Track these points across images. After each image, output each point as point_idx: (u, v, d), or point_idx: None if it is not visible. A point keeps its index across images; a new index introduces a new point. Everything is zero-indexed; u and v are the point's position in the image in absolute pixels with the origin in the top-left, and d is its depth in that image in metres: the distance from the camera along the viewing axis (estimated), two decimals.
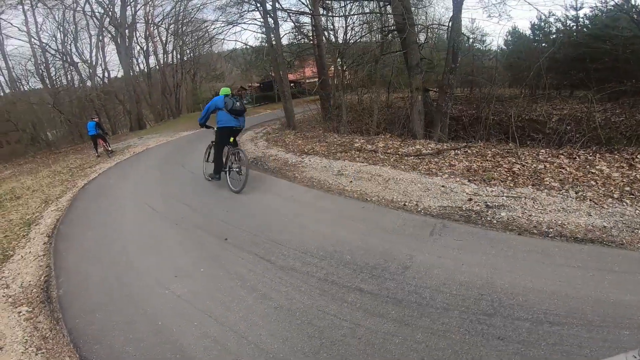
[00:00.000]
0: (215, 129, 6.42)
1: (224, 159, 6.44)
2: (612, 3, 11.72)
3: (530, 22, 17.68)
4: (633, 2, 11.36)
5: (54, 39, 24.67)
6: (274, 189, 6.12)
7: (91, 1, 23.85)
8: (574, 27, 15.52)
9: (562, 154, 5.93)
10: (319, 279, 3.15)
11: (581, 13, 15.12)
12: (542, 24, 16.86)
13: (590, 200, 4.28)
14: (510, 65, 17.99)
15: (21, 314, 3.38)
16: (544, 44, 16.52)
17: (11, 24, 23.87)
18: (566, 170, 5.28)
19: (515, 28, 19.37)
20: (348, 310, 2.69)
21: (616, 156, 5.52)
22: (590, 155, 5.69)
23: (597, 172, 5.03)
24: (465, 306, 2.58)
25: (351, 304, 2.76)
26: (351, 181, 5.97)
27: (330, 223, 4.38)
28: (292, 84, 24.97)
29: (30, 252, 4.95)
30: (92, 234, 5.23)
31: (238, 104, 6.26)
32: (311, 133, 11.04)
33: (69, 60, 25.14)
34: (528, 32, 18.53)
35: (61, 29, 24.45)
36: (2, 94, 24.05)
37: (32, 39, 23.26)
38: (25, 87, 24.83)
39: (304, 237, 4.03)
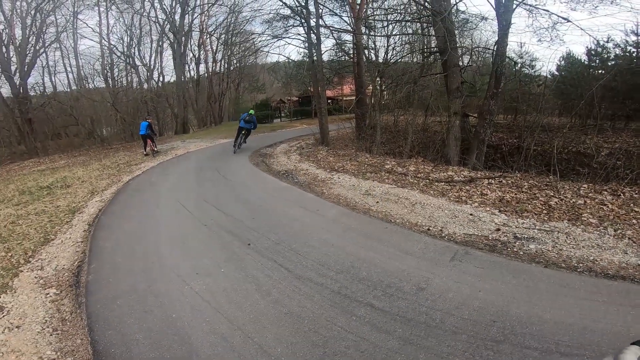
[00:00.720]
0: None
1: (238, 141, 13.09)
2: None
3: (586, 48, 16.38)
4: None
5: (121, 41, 27.02)
6: (302, 202, 6.26)
7: (156, 7, 26.05)
8: (635, 53, 14.47)
9: (606, 190, 5.62)
10: (332, 291, 3.21)
11: None
12: (600, 49, 15.87)
13: (629, 238, 4.04)
14: (561, 92, 16.83)
15: (48, 295, 3.66)
16: (600, 71, 15.41)
17: (87, 24, 26.53)
18: (607, 207, 4.99)
19: (569, 53, 18.03)
20: (356, 323, 2.72)
21: None
22: (636, 193, 5.34)
23: None
24: (475, 331, 2.52)
25: (360, 318, 2.79)
26: (377, 202, 5.99)
27: (352, 240, 4.43)
28: (329, 101, 25.33)
29: (70, 237, 5.38)
30: (128, 226, 5.64)
31: (248, 118, 12.94)
32: (343, 151, 11.19)
33: (131, 62, 27.29)
34: (584, 57, 17.16)
35: (128, 33, 26.76)
36: (69, 89, 26.43)
37: (103, 40, 25.61)
38: (90, 85, 27.10)
39: (324, 250, 4.11)
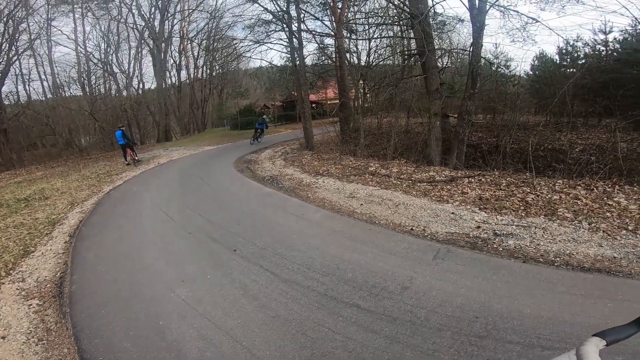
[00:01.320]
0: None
1: (255, 136, 16.86)
2: None
3: (558, 47, 16.83)
4: None
5: (97, 48, 26.45)
6: (286, 206, 6.28)
7: (134, 14, 25.61)
8: (604, 51, 14.92)
9: (580, 185, 5.84)
10: (319, 293, 3.24)
11: (611, 37, 14.16)
12: (570, 48, 16.31)
13: (603, 231, 4.21)
14: (536, 91, 17.14)
15: (31, 306, 3.63)
16: (571, 70, 15.66)
17: (61, 32, 26.00)
18: (582, 201, 5.19)
19: (542, 53, 18.37)
20: (343, 324, 2.76)
21: (635, 188, 5.39)
22: (609, 187, 5.58)
23: (614, 204, 4.93)
24: (459, 327, 2.59)
25: (346, 318, 2.83)
26: (362, 204, 6.06)
27: (336, 242, 4.47)
28: (313, 105, 25.36)
29: (50, 249, 5.30)
30: (111, 236, 5.57)
31: (260, 121, 18.19)
32: (328, 155, 11.27)
33: (108, 69, 26.74)
34: (556, 57, 17.49)
35: (105, 39, 26.19)
36: (44, 98, 25.63)
37: (79, 47, 24.99)
38: (66, 93, 26.34)
39: (310, 253, 4.14)
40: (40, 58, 24.37)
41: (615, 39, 14.23)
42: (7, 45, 20.40)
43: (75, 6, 24.11)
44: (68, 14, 24.06)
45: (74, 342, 2.94)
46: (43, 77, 25.11)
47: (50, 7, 22.78)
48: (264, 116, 18.81)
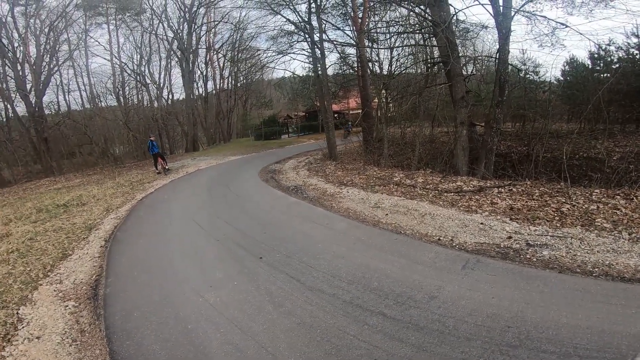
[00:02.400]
0: None
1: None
2: None
3: (589, 52, 16.13)
4: None
5: (131, 59, 27.70)
6: (311, 216, 6.30)
7: (164, 25, 26.83)
8: (638, 55, 14.25)
9: (619, 195, 5.55)
10: (344, 301, 3.22)
11: None
12: (602, 53, 15.68)
13: None
14: (568, 97, 16.55)
15: (67, 307, 3.80)
16: (605, 75, 15.05)
17: (98, 42, 27.10)
18: (621, 211, 4.93)
19: (573, 57, 17.72)
20: (368, 332, 2.72)
21: None
22: None
23: None
24: (489, 337, 2.51)
25: (372, 326, 2.79)
26: (387, 214, 6.00)
27: (362, 251, 4.44)
28: (335, 115, 25.38)
29: (87, 253, 5.57)
30: (143, 242, 5.80)
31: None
32: (351, 165, 11.25)
33: (141, 80, 27.92)
34: (587, 61, 16.75)
35: (138, 51, 27.45)
36: (82, 108, 27.05)
37: (114, 58, 26.33)
38: (102, 103, 27.72)
39: (335, 262, 4.12)
40: (79, 69, 25.82)
41: None
42: (49, 56, 21.67)
43: (110, 18, 25.50)
44: (103, 25, 25.50)
45: (106, 343, 3.05)
46: (82, 87, 26.64)
47: (87, 18, 24.13)
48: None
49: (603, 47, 14.38)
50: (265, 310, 3.19)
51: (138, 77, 27.74)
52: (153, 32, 26.60)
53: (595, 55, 15.75)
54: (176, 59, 28.41)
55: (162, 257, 4.94)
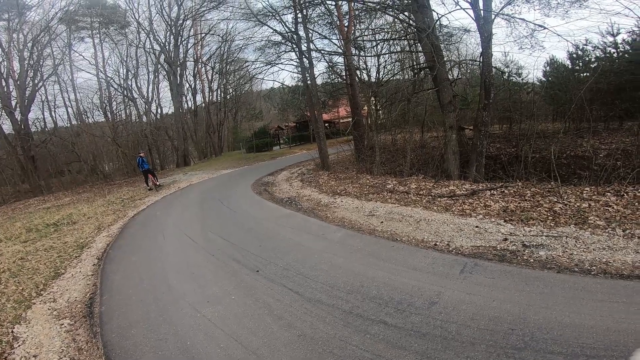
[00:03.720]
0: None
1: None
2: None
3: (568, 52, 16.56)
4: None
5: (117, 73, 27.34)
6: (307, 227, 6.26)
7: (150, 38, 26.61)
8: (615, 53, 14.59)
9: (609, 192, 5.63)
10: (344, 311, 3.17)
11: (619, 38, 13.93)
12: (580, 52, 16.07)
13: (639, 237, 4.01)
14: (551, 98, 16.75)
15: (63, 325, 3.75)
16: (585, 74, 15.33)
17: (83, 57, 26.85)
18: (613, 208, 4.99)
19: (553, 58, 18.02)
20: (370, 341, 2.68)
21: None
22: None
23: None
24: (494, 340, 2.48)
25: (374, 335, 2.75)
26: (382, 222, 5.98)
27: (359, 260, 4.41)
28: (326, 124, 25.22)
29: (80, 271, 5.50)
30: (137, 259, 5.70)
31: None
32: (344, 174, 11.25)
33: (128, 95, 27.51)
34: (567, 62, 17.03)
35: (124, 64, 27.10)
36: (69, 124, 26.50)
37: (100, 73, 25.90)
38: (89, 119, 27.16)
39: (333, 272, 4.08)
40: (64, 84, 25.39)
41: (624, 40, 13.97)
42: (33, 71, 21.36)
43: (94, 31, 25.25)
44: (86, 39, 25.18)
45: None
46: (67, 103, 26.07)
47: (70, 31, 23.85)
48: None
49: (580, 47, 14.78)
50: (264, 324, 3.13)
51: (125, 91, 27.43)
52: (139, 45, 26.43)
53: (574, 55, 16.13)
54: (164, 72, 28.13)
55: (156, 274, 4.86)
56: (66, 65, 24.73)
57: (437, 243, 4.72)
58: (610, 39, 13.93)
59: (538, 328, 2.55)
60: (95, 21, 25.03)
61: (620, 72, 12.85)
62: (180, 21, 26.59)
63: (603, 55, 14.77)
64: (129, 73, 27.49)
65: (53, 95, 25.64)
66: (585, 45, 14.56)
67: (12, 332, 3.63)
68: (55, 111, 25.87)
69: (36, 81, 22.02)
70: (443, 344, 2.53)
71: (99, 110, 26.81)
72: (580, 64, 16.31)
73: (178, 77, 27.42)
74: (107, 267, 5.50)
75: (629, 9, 8.53)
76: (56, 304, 4.35)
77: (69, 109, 26.37)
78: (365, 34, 14.34)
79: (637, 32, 12.30)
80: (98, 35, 25.72)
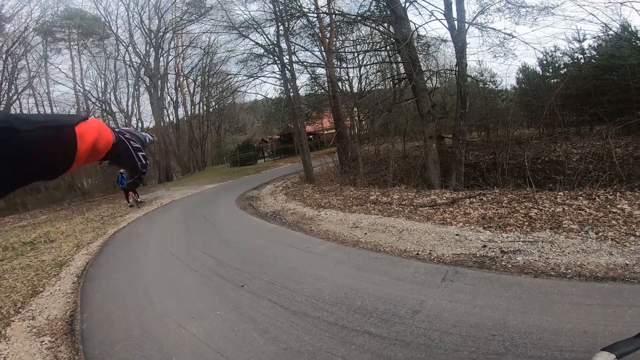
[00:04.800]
0: None
1: None
2: (611, 32, 11.08)
3: (538, 59, 17.09)
4: (633, 29, 11.03)
5: (95, 86, 26.74)
6: (291, 241, 6.26)
7: (130, 51, 26.19)
8: (582, 59, 14.97)
9: (581, 195, 5.85)
10: (329, 323, 3.19)
11: (585, 44, 14.56)
12: (549, 59, 16.36)
13: (611, 239, 4.19)
14: (525, 104, 17.15)
15: (43, 343, 3.67)
16: (555, 80, 15.91)
17: (59, 69, 25.81)
18: (586, 211, 5.19)
19: (525, 65, 18.71)
20: (356, 352, 2.71)
21: (637, 193, 5.40)
22: (611, 195, 5.59)
23: (618, 211, 4.93)
24: (476, 346, 2.54)
25: (359, 346, 2.77)
26: (366, 233, 6.05)
27: (343, 272, 4.44)
28: (310, 136, 25.19)
29: (59, 289, 5.38)
30: (118, 276, 5.60)
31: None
32: (328, 187, 11.31)
33: (107, 109, 26.86)
34: (538, 68, 17.81)
35: (102, 77, 26.54)
36: None
37: (77, 86, 25.24)
38: None
39: (317, 285, 4.10)
40: (40, 97, 24.71)
41: (590, 45, 14.55)
42: (7, 84, 20.71)
43: (72, 43, 24.70)
44: (63, 51, 24.49)
45: None
46: None
47: (46, 43, 23.25)
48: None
49: (549, 54, 15.39)
50: (250, 338, 3.11)
51: (104, 105, 26.89)
52: (118, 58, 26.04)
53: (544, 62, 16.75)
54: (144, 85, 27.76)
55: (139, 291, 4.77)
56: (42, 78, 24.15)
57: (420, 252, 4.81)
58: (577, 45, 14.56)
59: (517, 332, 2.62)
60: (73, 32, 24.56)
61: (587, 77, 13.42)
62: (161, 33, 26.41)
63: (571, 61, 15.41)
64: (108, 86, 26.99)
65: (28, 109, 24.84)
66: (554, 52, 15.17)
67: None
68: None
69: (11, 94, 21.39)
70: (427, 352, 2.58)
71: None
72: (550, 70, 16.94)
73: (159, 90, 27.08)
74: (88, 285, 5.38)
75: (593, 14, 9.04)
76: (35, 322, 4.26)
77: None
78: (347, 45, 14.61)
79: (602, 37, 12.91)
80: (76, 47, 25.21)
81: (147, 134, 0.89)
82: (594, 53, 14.68)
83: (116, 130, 0.71)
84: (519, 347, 2.47)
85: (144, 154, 0.76)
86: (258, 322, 3.39)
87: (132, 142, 0.73)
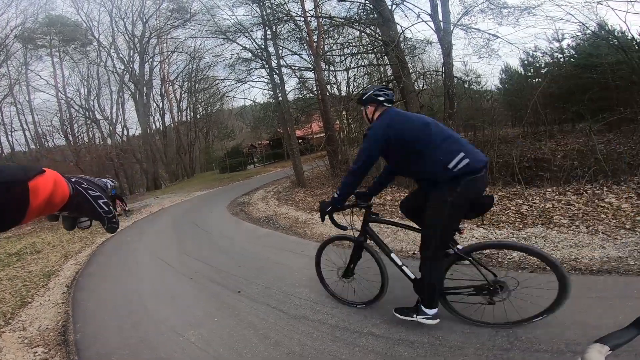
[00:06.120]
0: None
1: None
2: (588, 31, 11.35)
3: (520, 59, 17.53)
4: (609, 28, 11.34)
5: (78, 93, 26.04)
6: (286, 245, 6.19)
7: (113, 57, 25.65)
8: (561, 58, 15.44)
9: (569, 191, 5.98)
10: (330, 326, 3.16)
11: (564, 44, 15.00)
12: (531, 59, 16.81)
13: (602, 233, 4.27)
14: (508, 104, 17.58)
15: (37, 354, 3.56)
16: (537, 79, 16.32)
17: (40, 76, 25.36)
18: (575, 206, 5.30)
19: (507, 66, 19.23)
20: (360, 354, 2.67)
21: (623, 187, 5.55)
22: (598, 189, 5.72)
23: (606, 205, 5.05)
24: (480, 343, 2.54)
25: (363, 347, 2.75)
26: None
27: None
28: (300, 140, 25.13)
29: (49, 300, 5.24)
30: (109, 286, 5.46)
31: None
32: (320, 190, 11.28)
33: (91, 116, 26.17)
34: (520, 68, 18.40)
35: (85, 84, 25.90)
36: (27, 148, 24.92)
37: (59, 93, 24.58)
38: (49, 143, 25.74)
39: (316, 288, 4.04)
40: (20, 106, 24.07)
41: (569, 45, 15.01)
42: None
43: (53, 50, 24.15)
44: (44, 58, 23.94)
45: None
46: (25, 126, 24.64)
47: (27, 50, 22.66)
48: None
49: (530, 54, 15.77)
50: (251, 344, 3.05)
51: (87, 112, 26.24)
52: (100, 64, 25.49)
53: (525, 62, 17.16)
54: (129, 92, 27.28)
55: (133, 300, 4.65)
56: (22, 86, 23.52)
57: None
58: (557, 44, 14.98)
59: (521, 327, 2.63)
60: (54, 39, 24.01)
61: (568, 76, 13.79)
62: (146, 39, 26.04)
63: (551, 60, 15.82)
64: (91, 93, 26.41)
65: (10, 118, 24.19)
66: (535, 51, 15.57)
67: None
68: (12, 134, 24.42)
69: None
70: (432, 350, 2.56)
71: (59, 133, 25.51)
72: (532, 69, 17.36)
73: (144, 97, 26.63)
74: (78, 295, 5.24)
75: (571, 14, 9.29)
76: (27, 332, 4.15)
77: (27, 132, 24.99)
78: (334, 48, 14.59)
79: (580, 36, 13.31)
80: (57, 54, 24.65)
81: (108, 180, 0.89)
82: (573, 52, 15.12)
83: (72, 180, 0.72)
84: (524, 342, 2.48)
85: (105, 200, 0.77)
86: (258, 328, 3.33)
87: (90, 192, 0.73)
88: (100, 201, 0.75)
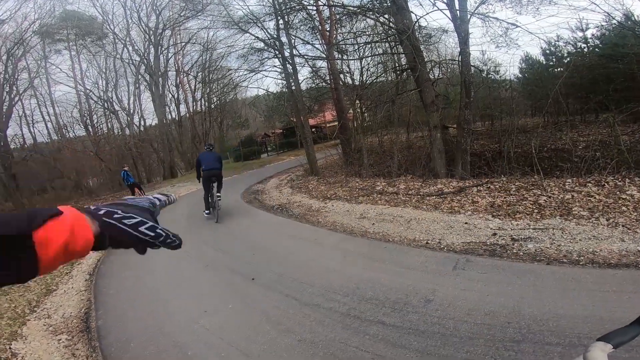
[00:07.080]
0: None
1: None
2: (614, 21, 10.96)
3: (541, 48, 16.96)
4: (636, 18, 10.93)
5: (96, 85, 26.54)
6: (299, 233, 6.26)
7: (129, 49, 26.02)
8: (585, 48, 14.98)
9: (590, 182, 5.81)
10: (342, 314, 3.19)
11: (589, 33, 14.56)
12: (553, 48, 16.39)
13: (622, 226, 4.16)
14: (529, 93, 17.34)
15: (60, 341, 3.70)
16: (559, 69, 15.99)
17: (60, 69, 25.58)
18: (595, 198, 5.15)
19: (527, 55, 18.75)
20: (370, 342, 2.70)
21: None
22: (620, 181, 5.54)
23: (627, 197, 4.89)
24: (491, 334, 2.53)
25: (373, 336, 2.77)
26: (373, 223, 6.03)
27: (353, 263, 4.44)
28: (313, 129, 25.07)
29: (72, 287, 5.42)
30: (129, 273, 5.60)
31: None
32: (333, 178, 11.27)
33: (109, 107, 26.72)
34: (541, 57, 17.93)
35: (103, 76, 26.34)
36: (49, 140, 25.67)
37: (78, 85, 25.11)
38: (70, 134, 26.33)
39: (328, 276, 4.10)
40: (42, 98, 24.62)
41: (593, 35, 14.49)
42: (8, 85, 20.70)
43: (71, 43, 24.58)
44: (63, 51, 24.44)
45: None
46: (46, 117, 25.22)
47: (45, 44, 23.15)
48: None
49: (552, 43, 15.26)
50: (263, 331, 3.12)
51: (105, 103, 26.70)
52: (117, 56, 25.88)
53: (547, 52, 16.63)
54: (145, 83, 27.57)
55: (150, 287, 4.79)
56: (42, 78, 24.08)
57: (429, 241, 4.79)
58: (580, 34, 14.48)
59: (534, 320, 2.61)
60: (71, 33, 24.45)
61: (592, 66, 13.31)
62: (160, 31, 26.23)
63: (574, 50, 15.29)
64: (109, 85, 26.86)
65: (31, 110, 24.73)
66: (557, 41, 15.08)
67: (10, 348, 3.58)
68: (34, 126, 25.07)
69: (12, 95, 21.39)
70: (442, 340, 2.57)
71: (79, 124, 26.04)
72: (554, 59, 16.83)
73: (160, 88, 26.94)
74: (100, 282, 5.41)
75: (595, 3, 8.88)
76: (51, 320, 4.28)
77: (48, 124, 25.64)
78: (347, 37, 14.43)
79: (605, 26, 12.78)
80: (75, 47, 25.10)
81: (157, 196, 0.75)
82: (597, 42, 14.56)
83: (101, 212, 0.60)
84: (535, 334, 2.46)
85: (149, 225, 0.65)
86: (270, 315, 3.40)
87: (125, 221, 0.61)
88: (142, 228, 0.63)
